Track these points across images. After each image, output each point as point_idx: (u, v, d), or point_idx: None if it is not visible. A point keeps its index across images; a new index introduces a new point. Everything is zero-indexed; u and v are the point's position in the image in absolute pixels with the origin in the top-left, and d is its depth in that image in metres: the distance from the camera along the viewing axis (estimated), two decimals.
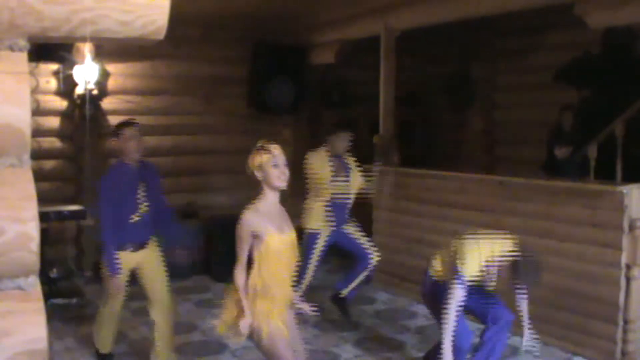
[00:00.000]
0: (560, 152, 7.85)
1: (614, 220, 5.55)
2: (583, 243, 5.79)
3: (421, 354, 5.96)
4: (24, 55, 1.74)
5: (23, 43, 1.73)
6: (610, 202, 5.59)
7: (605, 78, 8.18)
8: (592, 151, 7.25)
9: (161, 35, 1.84)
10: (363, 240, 6.79)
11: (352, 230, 6.78)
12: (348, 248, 6.80)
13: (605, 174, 7.10)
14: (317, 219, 6.61)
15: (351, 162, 6.79)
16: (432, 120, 11.08)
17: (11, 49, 1.71)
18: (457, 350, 4.75)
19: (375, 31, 8.08)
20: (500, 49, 10.13)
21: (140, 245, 5.40)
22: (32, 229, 1.73)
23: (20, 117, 1.69)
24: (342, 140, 6.61)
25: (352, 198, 6.79)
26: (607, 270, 5.61)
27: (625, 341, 5.57)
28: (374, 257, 6.77)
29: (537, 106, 9.29)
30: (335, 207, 6.62)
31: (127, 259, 5.33)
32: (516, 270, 4.49)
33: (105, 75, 8.50)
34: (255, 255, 3.87)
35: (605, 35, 7.97)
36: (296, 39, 9.48)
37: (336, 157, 6.63)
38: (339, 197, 6.61)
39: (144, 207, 5.39)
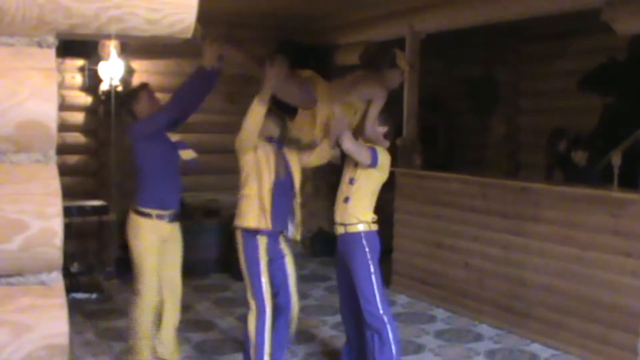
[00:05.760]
0: (577, 156, 7.75)
1: (637, 228, 5.50)
2: (605, 251, 5.74)
3: (440, 358, 5.96)
4: (52, 52, 1.75)
5: (51, 39, 1.74)
6: (633, 210, 5.55)
7: (631, 85, 8.10)
8: (616, 159, 7.18)
9: (188, 34, 1.84)
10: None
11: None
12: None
13: (630, 182, 7.03)
14: None
15: None
16: (455, 124, 11.03)
17: (39, 45, 1.72)
18: None
19: (400, 34, 8.06)
20: (525, 54, 10.07)
21: (175, 215, 5.10)
22: (57, 224, 1.73)
23: (47, 113, 1.70)
24: None
25: None
26: (629, 279, 5.55)
27: None
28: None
29: (561, 112, 9.22)
30: None
31: (162, 228, 5.01)
32: None
33: (130, 72, 8.56)
34: None
35: (631, 42, 7.90)
36: (320, 39, 9.47)
37: None
38: None
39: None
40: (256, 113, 4.79)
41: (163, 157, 5.01)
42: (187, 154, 5.12)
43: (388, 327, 4.95)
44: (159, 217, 4.97)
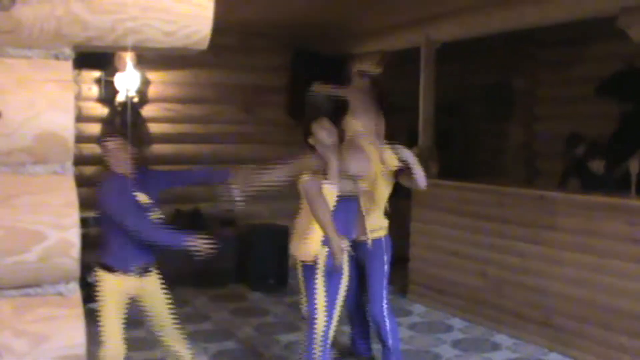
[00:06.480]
0: (594, 165, 7.68)
1: None
2: (623, 260, 5.70)
3: None
4: (68, 64, 1.76)
5: (68, 52, 1.75)
6: None
7: None
8: (634, 166, 7.14)
9: (204, 45, 1.85)
10: None
11: None
12: None
13: None
14: None
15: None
16: (472, 132, 11.00)
17: (57, 57, 1.74)
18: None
19: (415, 42, 8.05)
20: (542, 61, 10.03)
21: (144, 269, 4.82)
22: (74, 235, 1.74)
23: (65, 125, 1.71)
24: None
25: None
26: None
27: None
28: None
29: (578, 119, 9.17)
30: None
31: (126, 283, 4.78)
32: None
33: (146, 83, 8.60)
34: None
35: None
36: (336, 48, 9.48)
37: None
38: None
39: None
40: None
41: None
42: (156, 216, 4.90)
43: (387, 320, 5.46)
44: (124, 272, 4.77)
